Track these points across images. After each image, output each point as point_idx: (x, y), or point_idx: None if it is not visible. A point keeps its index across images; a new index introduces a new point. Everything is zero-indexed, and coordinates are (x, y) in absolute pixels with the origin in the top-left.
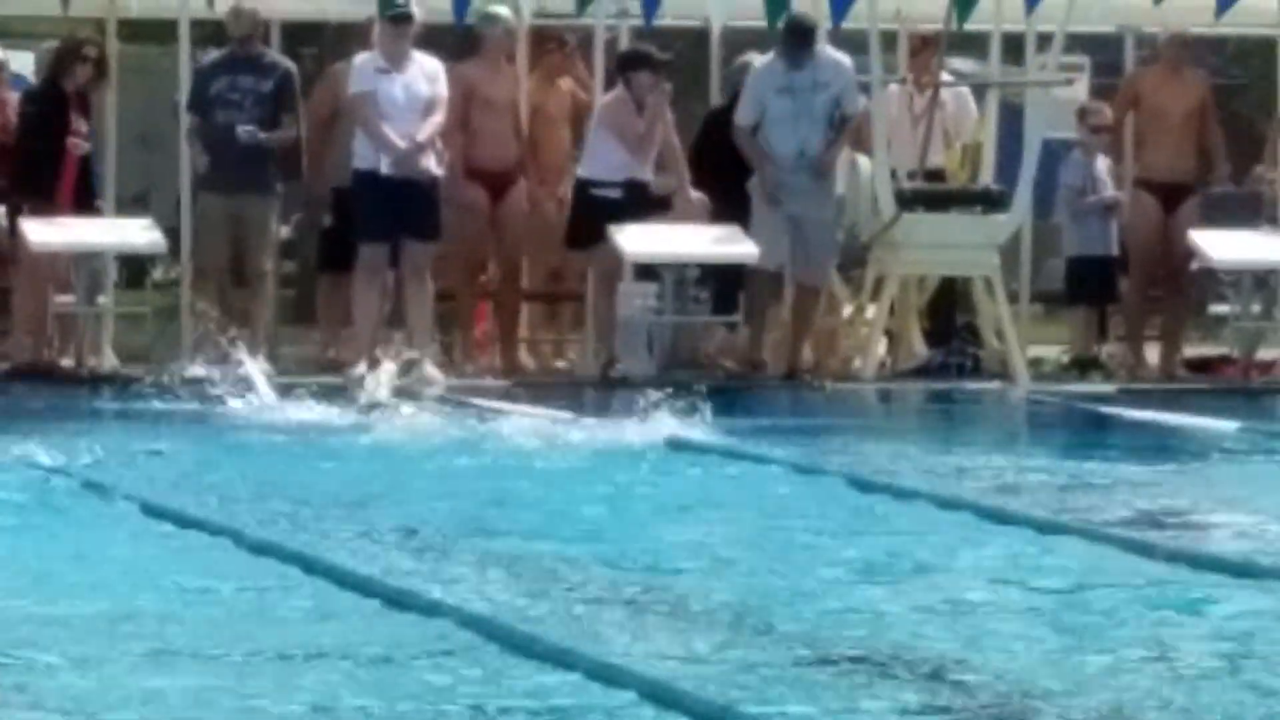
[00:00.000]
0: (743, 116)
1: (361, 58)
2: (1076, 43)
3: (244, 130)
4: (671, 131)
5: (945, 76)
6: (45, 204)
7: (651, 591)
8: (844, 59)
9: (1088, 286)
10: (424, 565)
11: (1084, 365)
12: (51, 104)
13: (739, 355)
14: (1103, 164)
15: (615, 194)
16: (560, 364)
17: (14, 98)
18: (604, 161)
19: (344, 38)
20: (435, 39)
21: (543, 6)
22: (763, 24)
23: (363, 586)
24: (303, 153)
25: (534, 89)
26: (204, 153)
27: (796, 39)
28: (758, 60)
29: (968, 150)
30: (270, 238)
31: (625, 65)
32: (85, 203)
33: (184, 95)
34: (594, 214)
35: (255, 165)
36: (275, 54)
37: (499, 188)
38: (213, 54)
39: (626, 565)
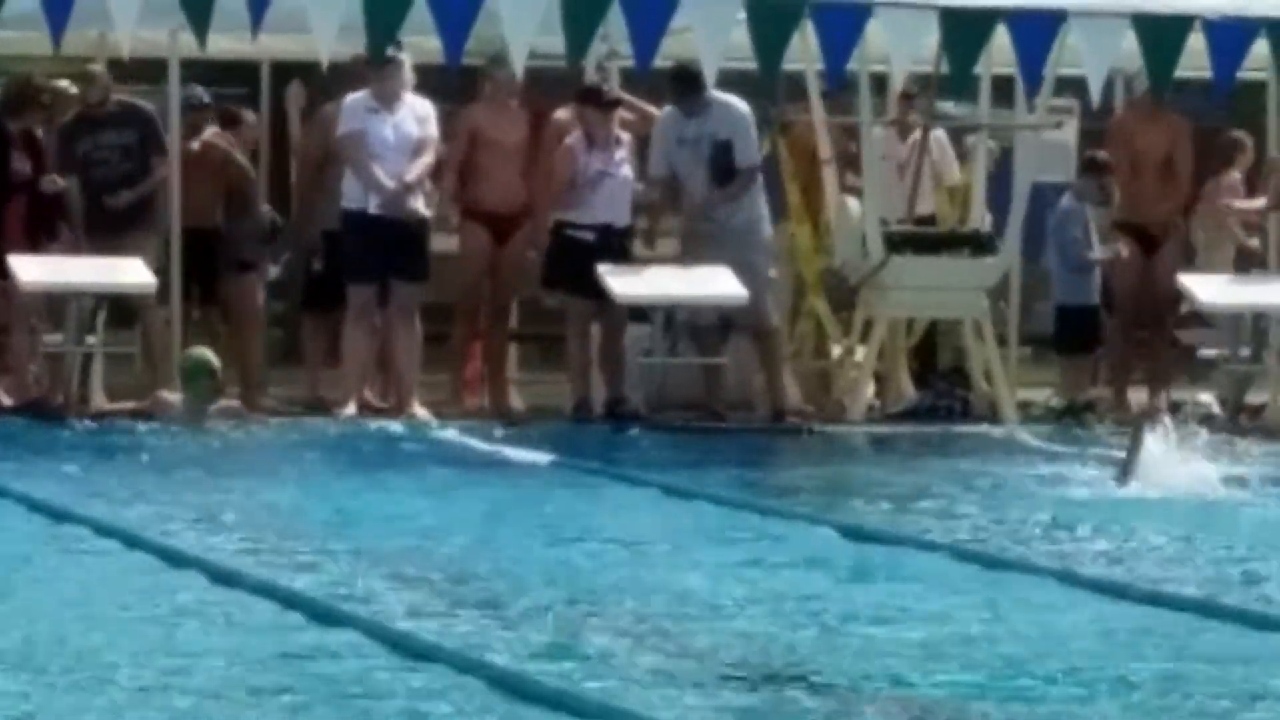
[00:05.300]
0: (655, 168)
1: (352, 97)
2: (1066, 85)
3: (109, 201)
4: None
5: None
6: None
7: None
8: (735, 104)
9: (1079, 334)
10: None
11: (1073, 410)
12: None
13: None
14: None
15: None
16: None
17: None
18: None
19: (335, 78)
20: (429, 81)
21: (533, 49)
22: (755, 65)
23: None
24: (291, 193)
25: None
26: (83, 219)
27: (681, 86)
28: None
29: (957, 193)
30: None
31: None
32: (40, 241)
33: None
34: (570, 255)
35: (134, 209)
36: (130, 101)
37: (503, 230)
38: (67, 117)
39: None
